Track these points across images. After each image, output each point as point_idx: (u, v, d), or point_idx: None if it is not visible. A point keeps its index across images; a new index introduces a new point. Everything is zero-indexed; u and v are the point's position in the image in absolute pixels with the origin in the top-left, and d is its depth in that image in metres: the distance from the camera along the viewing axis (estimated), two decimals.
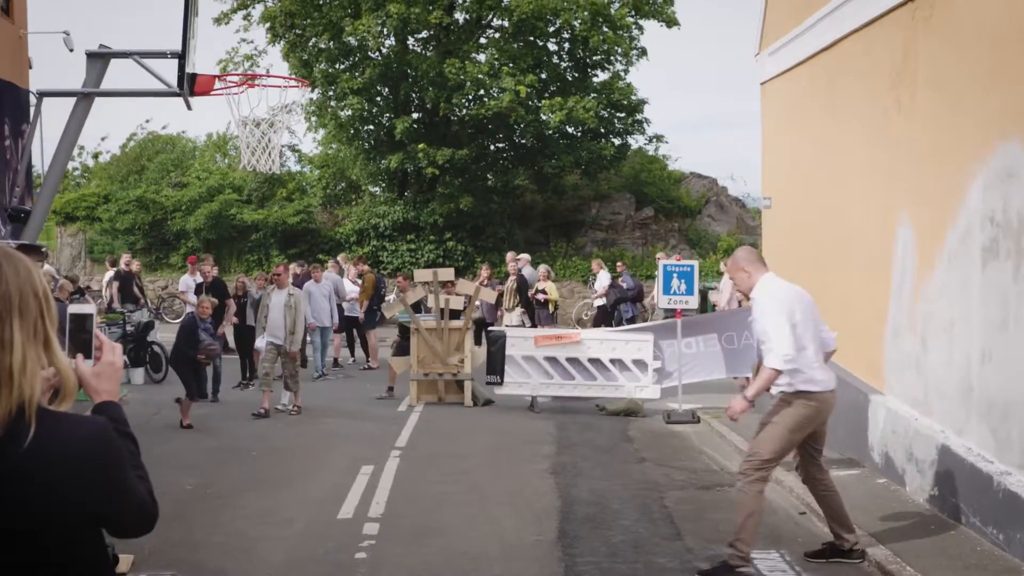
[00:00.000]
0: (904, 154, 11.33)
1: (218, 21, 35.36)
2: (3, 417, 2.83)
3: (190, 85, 13.60)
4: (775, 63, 16.46)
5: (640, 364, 18.07)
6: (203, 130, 70.77)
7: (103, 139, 53.59)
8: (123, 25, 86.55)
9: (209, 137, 45.09)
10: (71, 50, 15.75)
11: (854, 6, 12.73)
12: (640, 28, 35.86)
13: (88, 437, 2.94)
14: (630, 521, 10.75)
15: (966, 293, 9.78)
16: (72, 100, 13.87)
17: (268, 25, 34.67)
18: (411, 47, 35.64)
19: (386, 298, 26.32)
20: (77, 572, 3.02)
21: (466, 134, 35.04)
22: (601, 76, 36.41)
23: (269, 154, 15.29)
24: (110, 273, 27.20)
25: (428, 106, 35.06)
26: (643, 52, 36.23)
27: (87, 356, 3.24)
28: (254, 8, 35.31)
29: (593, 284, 28.61)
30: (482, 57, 34.72)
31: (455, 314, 19.19)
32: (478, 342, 21.31)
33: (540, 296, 24.18)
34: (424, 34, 35.48)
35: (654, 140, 38.07)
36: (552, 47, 35.95)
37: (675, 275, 17.95)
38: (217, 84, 14.36)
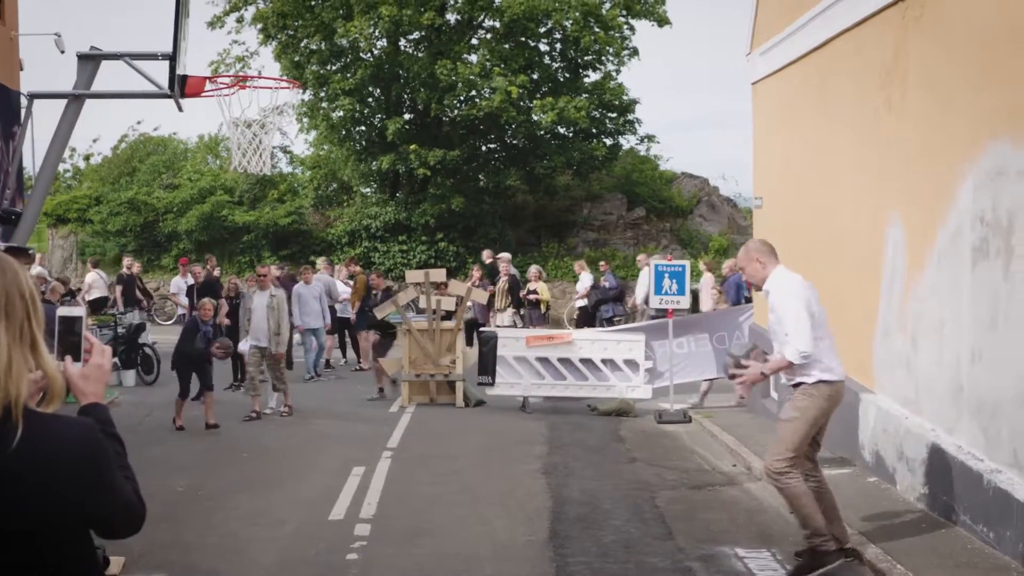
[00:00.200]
0: (895, 154, 11.34)
1: (211, 25, 35.35)
2: None
3: (181, 86, 13.59)
4: (766, 63, 16.47)
5: (631, 364, 18.10)
6: (195, 132, 70.69)
7: (95, 141, 53.48)
8: (114, 27, 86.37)
9: (200, 139, 45.10)
10: (62, 52, 15.74)
11: (845, 6, 12.74)
12: (632, 28, 35.92)
13: (76, 438, 2.95)
14: (621, 521, 10.76)
15: (956, 292, 9.79)
16: (63, 102, 13.85)
17: (260, 26, 34.67)
18: (403, 48, 35.63)
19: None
20: (70, 574, 3.02)
21: (457, 135, 35.05)
22: (593, 76, 36.46)
23: (260, 155, 15.28)
24: (91, 275, 27.33)
25: (420, 107, 35.09)
26: (635, 52, 36.26)
27: (76, 358, 3.24)
28: (246, 10, 35.29)
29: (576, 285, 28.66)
30: (473, 58, 34.76)
31: (447, 315, 19.20)
32: (470, 343, 21.33)
33: (532, 296, 24.22)
34: (416, 35, 35.45)
35: (645, 140, 38.13)
36: (544, 47, 36.01)
37: (667, 275, 17.94)
38: (208, 85, 14.35)
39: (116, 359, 20.69)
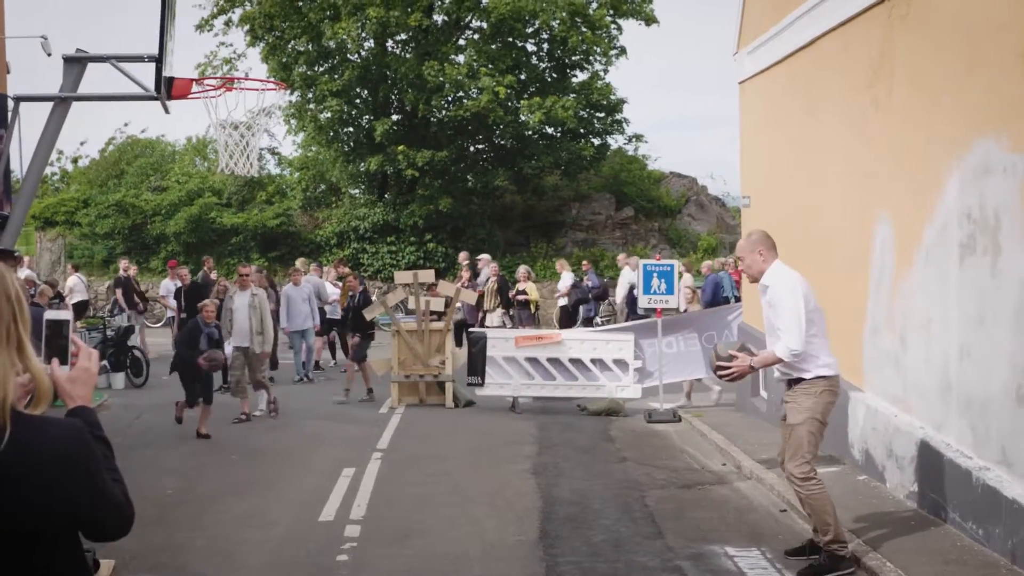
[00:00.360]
0: (882, 152, 11.36)
1: (199, 28, 35.31)
2: None
3: (167, 88, 13.54)
4: (753, 62, 16.49)
5: (621, 364, 18.11)
6: (182, 134, 70.59)
7: (82, 143, 53.50)
8: (101, 29, 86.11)
9: (188, 141, 45.08)
10: (49, 55, 15.68)
11: (831, 4, 12.76)
12: (619, 27, 35.97)
13: (64, 439, 2.95)
14: (611, 520, 10.76)
15: (944, 290, 9.81)
16: (50, 104, 13.81)
17: (247, 27, 34.63)
18: (390, 49, 35.65)
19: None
20: None
21: (445, 136, 35.06)
22: (580, 76, 36.51)
23: (247, 157, 15.24)
24: (72, 279, 27.42)
25: (407, 108, 35.11)
26: (622, 51, 36.31)
27: (63, 362, 3.24)
28: (234, 13, 35.25)
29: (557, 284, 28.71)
30: (461, 58, 34.77)
31: (436, 315, 19.19)
32: (459, 343, 21.33)
33: (521, 297, 24.26)
34: (403, 36, 35.47)
35: (633, 140, 38.21)
36: (531, 48, 36.05)
37: (655, 274, 17.95)
38: (195, 87, 14.31)
39: (105, 362, 20.66)
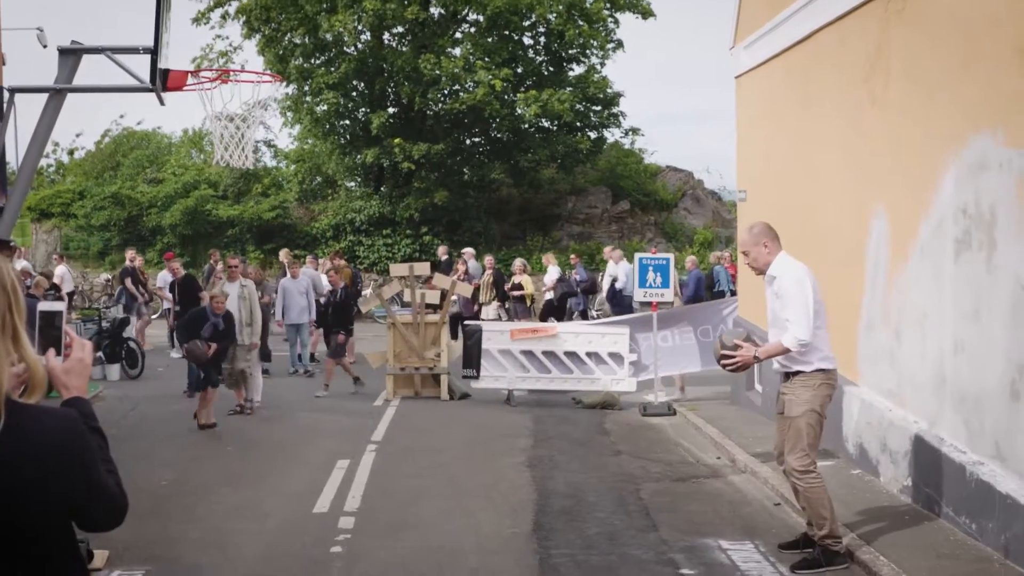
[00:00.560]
0: (878, 146, 11.37)
1: (196, 21, 35.27)
2: None
3: (163, 80, 13.51)
4: (750, 56, 16.49)
5: (616, 357, 18.12)
6: (178, 126, 70.48)
7: (78, 135, 53.14)
8: (96, 21, 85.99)
9: (184, 133, 45.02)
10: (44, 46, 15.68)
11: None
12: (616, 21, 35.95)
13: (59, 428, 2.95)
14: (606, 513, 10.77)
15: (939, 285, 9.82)
16: (45, 96, 13.78)
17: (244, 19, 34.59)
18: (387, 42, 35.64)
19: (362, 293, 26.32)
20: (54, 567, 3.02)
21: (442, 128, 35.05)
22: (577, 70, 36.50)
23: (243, 149, 15.22)
24: (59, 268, 27.43)
25: (404, 101, 35.06)
26: (619, 45, 36.31)
27: (58, 352, 3.25)
28: (230, 5, 35.19)
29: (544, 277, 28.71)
30: (457, 51, 34.73)
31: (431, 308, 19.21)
32: (454, 336, 21.33)
33: (516, 292, 24.27)
34: (399, 29, 35.46)
35: (630, 133, 38.26)
36: (527, 41, 36.00)
37: (651, 268, 17.96)
38: (190, 79, 14.29)
39: (100, 353, 20.66)
